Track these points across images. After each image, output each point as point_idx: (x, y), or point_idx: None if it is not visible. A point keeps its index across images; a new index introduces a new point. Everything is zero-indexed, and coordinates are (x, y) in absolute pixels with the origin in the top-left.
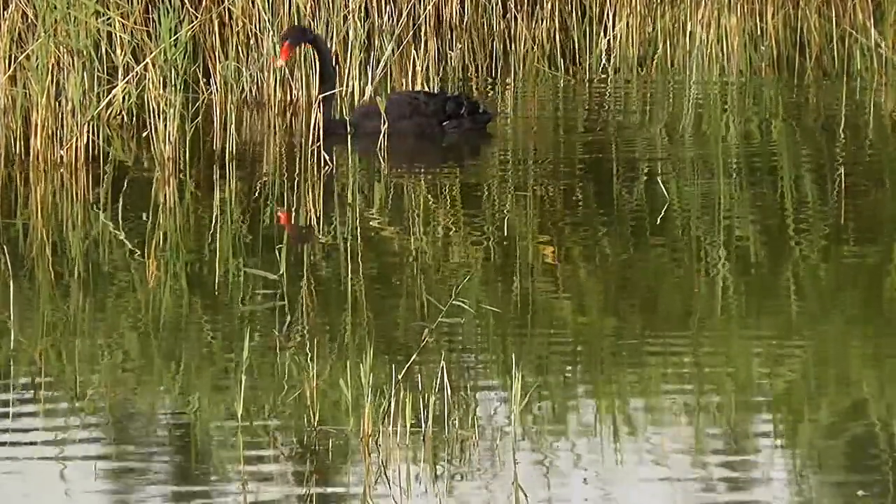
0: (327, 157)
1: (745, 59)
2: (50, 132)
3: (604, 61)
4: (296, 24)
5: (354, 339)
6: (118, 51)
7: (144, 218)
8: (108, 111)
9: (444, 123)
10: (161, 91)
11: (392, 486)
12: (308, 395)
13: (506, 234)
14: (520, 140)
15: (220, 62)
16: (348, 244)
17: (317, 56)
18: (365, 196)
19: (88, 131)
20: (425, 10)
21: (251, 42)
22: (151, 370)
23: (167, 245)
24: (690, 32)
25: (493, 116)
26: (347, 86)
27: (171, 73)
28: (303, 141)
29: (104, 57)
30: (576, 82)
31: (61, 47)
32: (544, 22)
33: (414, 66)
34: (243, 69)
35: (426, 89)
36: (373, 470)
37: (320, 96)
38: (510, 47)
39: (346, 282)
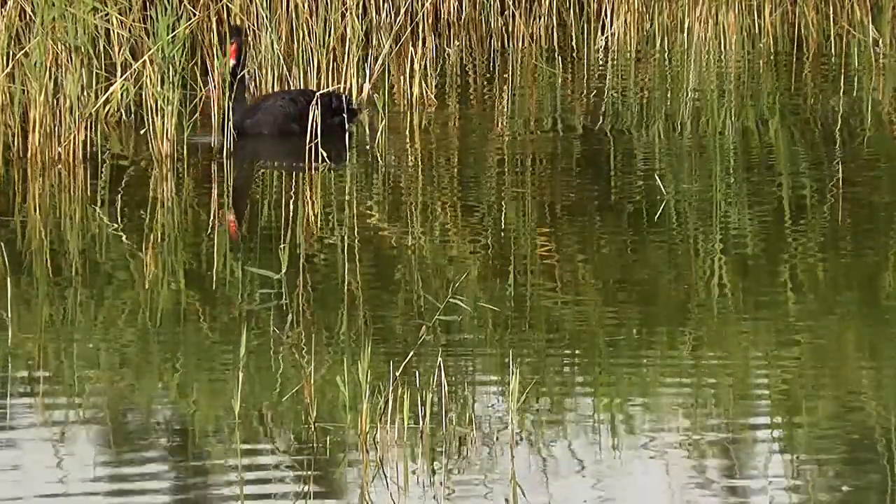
0: (325, 154)
1: (743, 55)
2: (48, 129)
3: (601, 58)
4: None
5: (352, 337)
6: (116, 48)
7: (142, 214)
8: (106, 108)
9: (329, 120)
10: (159, 88)
11: (390, 483)
12: (306, 393)
13: (503, 232)
14: (517, 137)
15: (217, 59)
16: (346, 242)
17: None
18: (363, 195)
19: (86, 128)
20: (423, 6)
21: (249, 39)
22: (149, 367)
23: (165, 241)
24: (688, 29)
25: (358, 112)
26: (346, 83)
27: (168, 70)
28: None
29: (102, 54)
30: (573, 79)
31: (59, 44)
32: (542, 19)
33: (412, 64)
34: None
35: (299, 88)
36: (371, 467)
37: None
38: (508, 44)
39: (343, 279)
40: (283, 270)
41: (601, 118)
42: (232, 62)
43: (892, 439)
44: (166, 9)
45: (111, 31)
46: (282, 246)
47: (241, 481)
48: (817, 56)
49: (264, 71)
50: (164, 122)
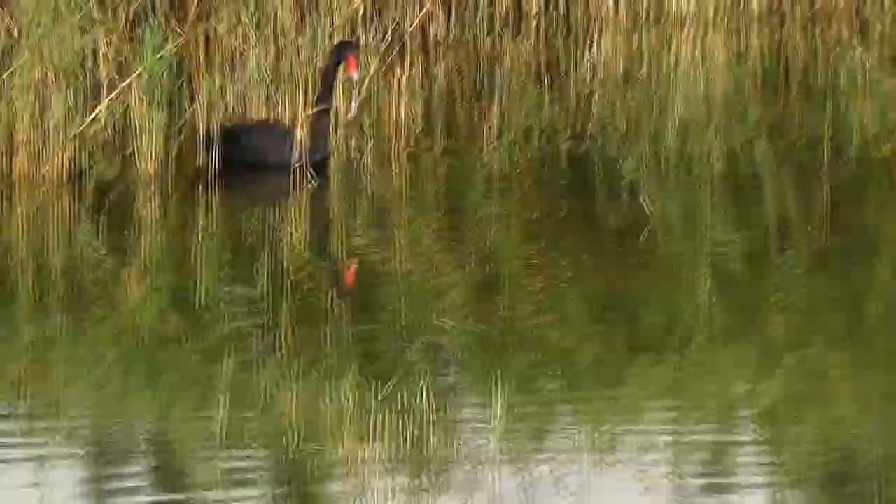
0: (312, 174)
1: (730, 76)
2: (33, 149)
3: (588, 79)
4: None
5: (336, 359)
6: (102, 68)
7: (127, 235)
8: (92, 128)
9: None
10: (145, 108)
11: None
12: (289, 415)
13: (489, 253)
14: (504, 158)
15: (204, 79)
16: (331, 263)
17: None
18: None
19: (72, 149)
20: (410, 27)
21: (236, 59)
22: (133, 388)
23: (150, 263)
24: (675, 50)
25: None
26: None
27: (154, 90)
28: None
29: (88, 74)
30: (560, 99)
31: (45, 64)
32: (529, 39)
33: (399, 84)
34: (227, 86)
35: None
36: (354, 490)
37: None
38: (495, 65)
39: (328, 301)
40: (266, 289)
41: (588, 139)
42: (354, 76)
43: (877, 462)
44: (153, 29)
45: (97, 51)
46: (264, 265)
47: (224, 502)
48: (804, 77)
49: (250, 91)
50: (149, 143)
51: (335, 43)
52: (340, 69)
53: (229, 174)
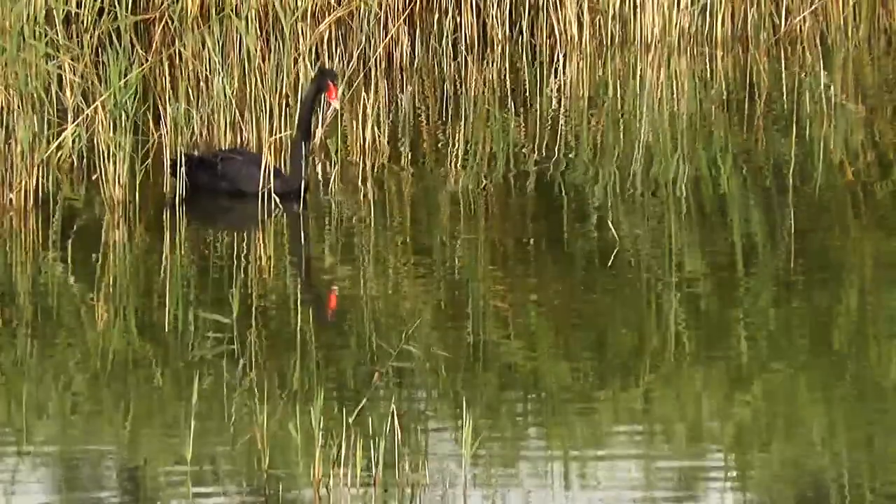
0: (277, 200)
1: (695, 101)
2: None
3: (554, 103)
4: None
5: (304, 384)
6: (68, 93)
7: (94, 261)
8: (58, 154)
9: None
10: (111, 134)
11: None
12: (258, 440)
13: (456, 278)
14: (470, 183)
15: (169, 105)
16: (298, 288)
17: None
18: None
19: (38, 175)
20: (375, 52)
21: (201, 85)
22: (101, 414)
23: (117, 289)
24: (640, 75)
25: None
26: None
27: (120, 115)
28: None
29: (54, 100)
30: (526, 124)
31: (10, 90)
32: (494, 64)
33: (364, 109)
34: (193, 112)
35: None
36: None
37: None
38: (461, 89)
39: (295, 325)
40: (234, 314)
41: (554, 163)
42: (335, 104)
43: (846, 485)
44: (118, 54)
45: (63, 77)
46: (231, 291)
47: None
48: (769, 101)
49: (216, 116)
50: (116, 168)
51: (317, 71)
52: (321, 97)
53: (203, 201)
